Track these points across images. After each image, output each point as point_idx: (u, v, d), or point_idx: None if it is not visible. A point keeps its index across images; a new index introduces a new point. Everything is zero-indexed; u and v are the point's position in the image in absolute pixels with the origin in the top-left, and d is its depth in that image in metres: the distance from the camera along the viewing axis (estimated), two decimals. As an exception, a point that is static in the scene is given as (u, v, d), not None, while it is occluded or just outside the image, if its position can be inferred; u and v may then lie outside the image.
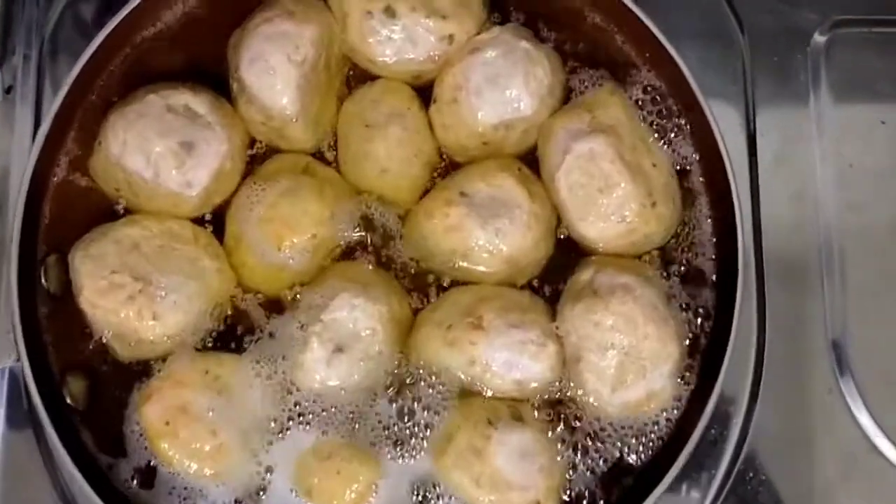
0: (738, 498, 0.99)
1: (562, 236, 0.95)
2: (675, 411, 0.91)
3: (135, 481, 0.89)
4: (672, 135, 0.97)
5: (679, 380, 0.91)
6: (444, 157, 0.97)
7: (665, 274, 0.94)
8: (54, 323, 0.92)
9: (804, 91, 1.10)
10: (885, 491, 1.02)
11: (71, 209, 0.94)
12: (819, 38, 1.12)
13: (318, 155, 0.96)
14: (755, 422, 1.01)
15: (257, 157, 0.96)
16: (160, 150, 0.90)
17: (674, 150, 0.97)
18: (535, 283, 0.94)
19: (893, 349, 1.05)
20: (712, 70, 1.07)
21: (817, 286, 1.05)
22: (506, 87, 0.92)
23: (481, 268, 0.91)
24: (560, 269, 0.94)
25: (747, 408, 1.01)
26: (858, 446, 1.02)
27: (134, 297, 0.88)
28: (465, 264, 0.91)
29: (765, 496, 1.00)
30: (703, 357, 0.92)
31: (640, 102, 0.98)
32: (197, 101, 0.93)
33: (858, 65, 1.12)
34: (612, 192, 0.90)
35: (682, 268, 0.95)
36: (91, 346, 0.91)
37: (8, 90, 1.09)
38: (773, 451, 1.01)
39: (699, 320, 0.93)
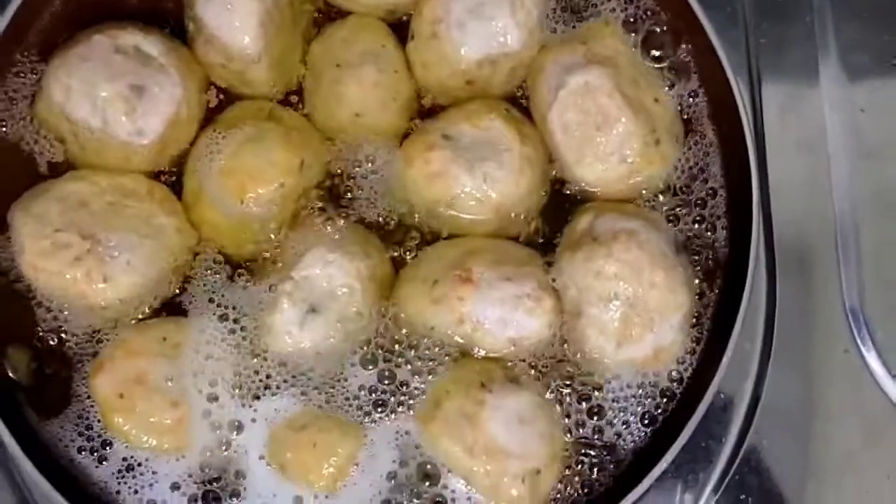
0: (751, 466, 0.95)
1: (557, 183, 0.90)
2: (686, 368, 0.86)
3: (87, 459, 0.83)
4: (676, 71, 0.92)
5: (690, 333, 0.86)
6: (424, 99, 0.93)
7: (671, 218, 0.89)
8: None
9: (810, 36, 1.07)
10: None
11: (8, 166, 0.88)
12: None
13: (283, 100, 0.92)
14: (767, 385, 0.97)
15: (217, 105, 0.92)
16: (107, 94, 0.87)
17: (676, 88, 0.92)
18: (529, 233, 0.89)
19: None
20: (710, 15, 1.00)
21: (830, 241, 1.02)
22: (491, 18, 0.89)
23: (469, 217, 0.88)
24: (556, 218, 0.90)
25: (758, 371, 0.97)
26: (880, 410, 0.98)
27: (81, 258, 0.84)
28: (450, 214, 0.88)
29: (780, 463, 0.96)
30: (715, 310, 0.88)
31: (639, 35, 0.93)
32: (148, 42, 0.89)
33: (862, 7, 1.08)
34: (612, 129, 0.87)
35: (689, 214, 0.90)
36: (34, 314, 0.85)
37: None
38: (787, 417, 0.98)
39: (708, 270, 0.89)
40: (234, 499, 0.82)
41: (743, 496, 0.95)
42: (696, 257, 0.89)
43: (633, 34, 0.92)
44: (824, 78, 1.06)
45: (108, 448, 0.84)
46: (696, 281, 0.88)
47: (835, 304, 0.99)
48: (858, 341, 0.99)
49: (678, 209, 0.90)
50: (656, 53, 0.92)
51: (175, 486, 0.83)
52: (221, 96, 0.92)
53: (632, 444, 0.85)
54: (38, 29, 0.91)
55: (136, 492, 0.83)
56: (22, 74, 0.90)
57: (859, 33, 1.08)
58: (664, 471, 0.93)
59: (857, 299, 1.00)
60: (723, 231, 0.89)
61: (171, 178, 0.89)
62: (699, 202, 0.90)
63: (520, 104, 0.93)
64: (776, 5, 1.07)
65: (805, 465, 0.97)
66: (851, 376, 0.99)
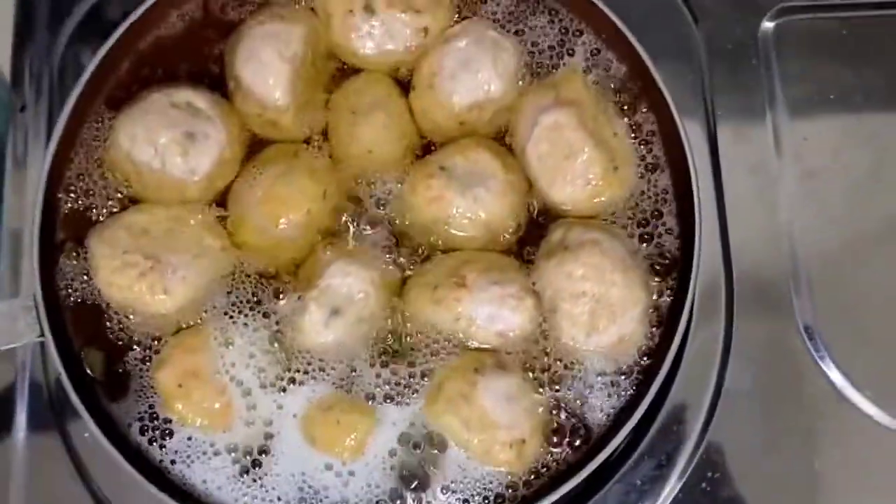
0: (714, 451, 1.05)
1: (534, 204, 1.01)
2: (647, 353, 0.96)
3: (148, 437, 0.94)
4: (632, 112, 1.03)
5: (649, 325, 0.96)
6: (424, 138, 1.02)
7: (630, 231, 1.00)
8: (74, 302, 0.98)
9: (756, 75, 1.18)
10: (855, 440, 1.08)
11: (85, 199, 1.00)
12: (767, 25, 1.20)
13: (309, 142, 1.02)
14: (727, 379, 1.07)
15: (253, 148, 1.02)
16: (165, 140, 0.97)
17: (634, 125, 1.03)
18: (512, 246, 0.99)
19: (858, 303, 1.12)
20: (668, 57, 1.13)
21: (784, 246, 1.11)
22: (477, 70, 0.99)
23: (462, 234, 0.97)
24: (534, 233, 0.99)
25: (719, 367, 1.08)
26: (828, 399, 1.07)
27: (145, 274, 0.94)
28: (446, 231, 0.97)
29: (740, 447, 1.05)
30: (669, 305, 0.98)
31: (601, 83, 1.04)
32: (197, 97, 1.00)
33: (804, 48, 1.20)
34: (577, 157, 0.96)
35: (646, 227, 1.01)
36: (108, 322, 0.97)
37: (22, 109, 1.17)
38: (747, 405, 1.07)
39: (663, 273, 0.99)
40: (273, 465, 0.91)
41: (710, 473, 1.05)
42: (652, 263, 0.98)
43: (596, 83, 1.03)
44: (770, 111, 1.15)
45: (167, 429, 0.94)
46: (653, 282, 0.97)
47: (790, 319, 1.08)
48: (812, 352, 1.07)
49: (635, 223, 0.99)
50: (615, 98, 1.02)
51: (222, 457, 0.92)
52: (257, 140, 1.01)
53: (601, 418, 0.94)
54: (111, 86, 1.02)
55: (188, 465, 0.93)
56: (98, 122, 1.01)
57: (801, 71, 1.18)
58: (641, 452, 1.06)
59: (811, 317, 1.08)
60: (674, 240, 0.98)
61: (218, 207, 0.99)
62: (654, 217, 0.99)
63: (503, 140, 1.01)
64: (726, 50, 1.17)
65: (764, 444, 1.06)
66: (803, 372, 1.08)
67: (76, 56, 1.16)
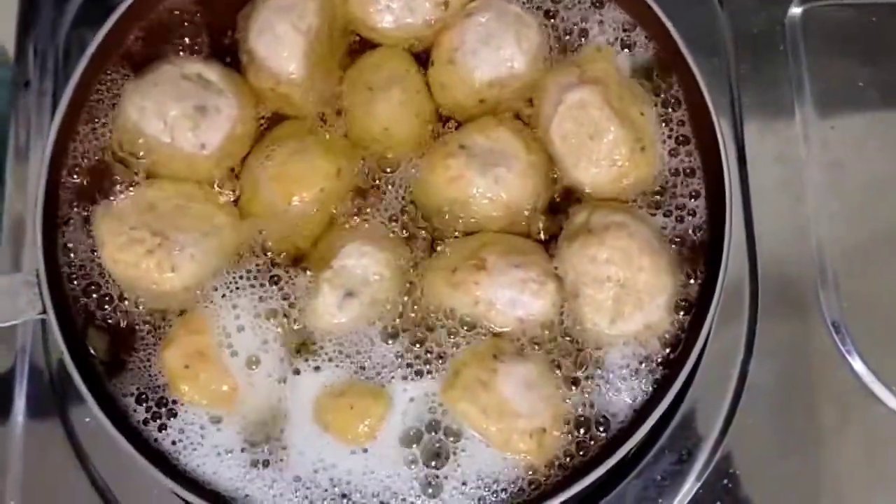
0: (735, 447, 1.02)
1: (557, 185, 0.98)
2: (673, 342, 0.93)
3: (154, 421, 0.92)
4: (659, 91, 1.01)
5: (675, 312, 0.94)
6: (442, 115, 1.00)
7: (657, 214, 0.97)
8: (77, 280, 0.96)
9: (783, 62, 1.16)
10: (883, 436, 1.05)
11: (90, 174, 0.97)
12: (795, 10, 1.18)
13: (323, 118, 0.99)
14: (751, 373, 1.05)
15: (266, 124, 1.00)
16: (176, 113, 0.94)
17: (661, 104, 1.01)
18: (534, 228, 0.96)
19: (885, 296, 1.09)
20: (693, 42, 1.07)
21: (810, 238, 1.09)
22: (499, 46, 0.96)
23: (482, 214, 0.94)
24: (556, 215, 0.96)
25: (742, 361, 1.05)
26: (855, 394, 1.05)
27: (153, 251, 0.91)
28: (466, 211, 0.95)
29: (761, 444, 1.03)
30: (697, 293, 0.95)
31: (627, 61, 1.02)
32: (209, 70, 0.97)
33: (833, 35, 1.18)
34: (603, 137, 0.94)
35: (673, 211, 0.98)
36: (113, 299, 0.94)
37: (26, 84, 1.14)
38: (769, 401, 1.05)
39: (691, 259, 0.96)
40: (283, 451, 0.89)
41: (731, 470, 1.02)
42: (680, 248, 0.95)
43: (621, 57, 1.00)
44: (797, 99, 1.14)
45: (172, 411, 0.91)
46: (680, 268, 0.94)
47: (816, 312, 1.06)
48: (840, 346, 1.05)
49: (663, 206, 0.96)
50: (642, 74, 1.00)
51: (229, 442, 0.89)
52: (270, 116, 0.98)
53: (623, 409, 0.91)
54: (119, 58, 0.99)
55: (194, 449, 0.90)
56: (105, 94, 0.98)
57: (829, 59, 1.16)
58: (660, 446, 1.04)
59: (838, 311, 1.06)
60: (703, 225, 0.95)
61: (229, 184, 0.96)
62: (682, 201, 0.96)
63: (524, 118, 0.98)
64: (753, 36, 1.16)
65: (786, 441, 1.04)
66: (829, 368, 1.06)
67: (82, 33, 1.14)
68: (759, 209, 1.10)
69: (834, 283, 1.09)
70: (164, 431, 0.92)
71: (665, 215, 0.97)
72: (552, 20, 1.03)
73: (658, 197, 0.98)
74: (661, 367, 0.93)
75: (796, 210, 1.11)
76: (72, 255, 0.96)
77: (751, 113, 1.14)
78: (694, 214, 0.98)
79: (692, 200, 0.98)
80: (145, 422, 0.92)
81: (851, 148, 1.15)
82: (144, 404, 0.93)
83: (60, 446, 1.01)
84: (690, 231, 0.98)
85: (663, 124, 1.00)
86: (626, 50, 1.02)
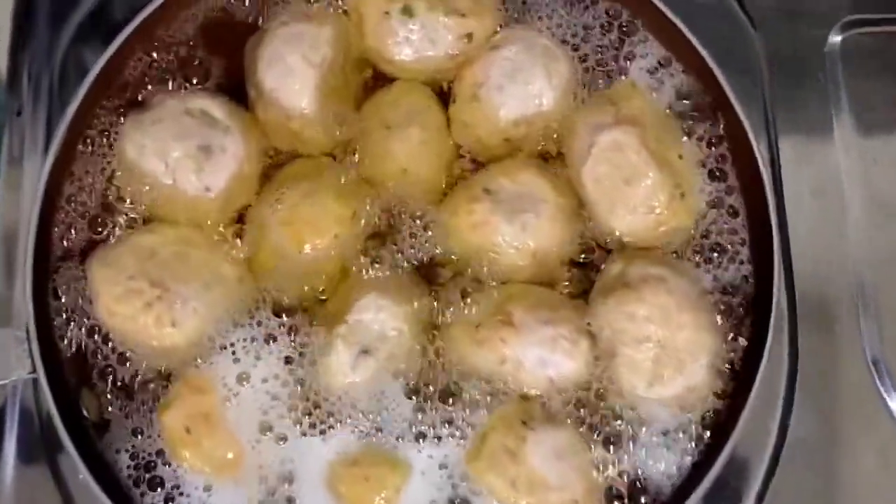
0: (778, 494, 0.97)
1: (588, 232, 0.93)
2: (715, 407, 0.88)
3: (154, 492, 0.87)
4: (700, 130, 0.96)
5: (718, 374, 0.89)
6: (465, 157, 0.96)
7: (696, 265, 0.92)
8: (70, 332, 0.90)
9: (822, 91, 1.11)
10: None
11: (86, 217, 0.93)
12: (834, 38, 1.13)
13: (337, 157, 0.95)
14: (792, 424, 0.99)
15: (275, 163, 0.95)
16: (178, 154, 0.90)
17: (700, 145, 0.96)
18: (564, 279, 0.92)
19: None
20: (727, 71, 1.03)
21: (850, 276, 1.04)
22: (527, 81, 0.92)
23: (508, 263, 0.90)
24: (590, 269, 0.92)
25: (783, 411, 1.00)
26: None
27: (152, 304, 0.87)
28: (491, 261, 0.90)
29: (803, 499, 0.98)
30: (742, 353, 0.90)
31: (663, 97, 0.97)
32: (214, 106, 0.93)
33: (874, 63, 1.13)
34: (640, 182, 0.89)
35: (713, 262, 0.93)
36: (108, 356, 0.89)
37: (19, 112, 1.08)
38: (809, 456, 1.00)
39: (733, 315, 0.91)
40: None
41: None
42: (721, 299, 0.91)
43: (656, 93, 0.96)
44: (838, 130, 1.09)
45: (173, 478, 0.86)
46: (723, 325, 0.89)
47: (856, 353, 1.01)
48: (881, 389, 1.01)
49: (703, 257, 0.92)
50: (679, 109, 0.95)
51: None
52: (280, 154, 0.94)
53: (662, 480, 0.86)
54: (118, 90, 0.95)
55: None
56: (103, 131, 0.93)
57: (870, 87, 1.11)
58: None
59: (879, 349, 1.02)
60: (746, 274, 0.91)
61: (235, 229, 0.92)
62: (722, 247, 0.92)
63: (552, 158, 0.94)
64: (790, 64, 1.10)
65: (827, 496, 0.99)
66: (871, 415, 1.01)
67: (79, 57, 1.08)
68: (798, 245, 1.04)
69: (876, 321, 1.04)
70: (156, 493, 0.87)
71: (704, 262, 0.93)
72: (581, 52, 0.98)
73: (696, 242, 0.93)
74: (703, 434, 0.88)
75: (837, 246, 1.06)
76: (65, 305, 0.91)
77: (787, 143, 1.08)
78: (735, 261, 0.93)
79: (732, 247, 0.94)
80: (136, 483, 0.87)
81: (894, 180, 1.10)
82: (142, 471, 0.88)
83: (51, 496, 0.96)
84: (732, 280, 0.93)
85: (702, 166, 0.95)
86: (661, 85, 0.98)
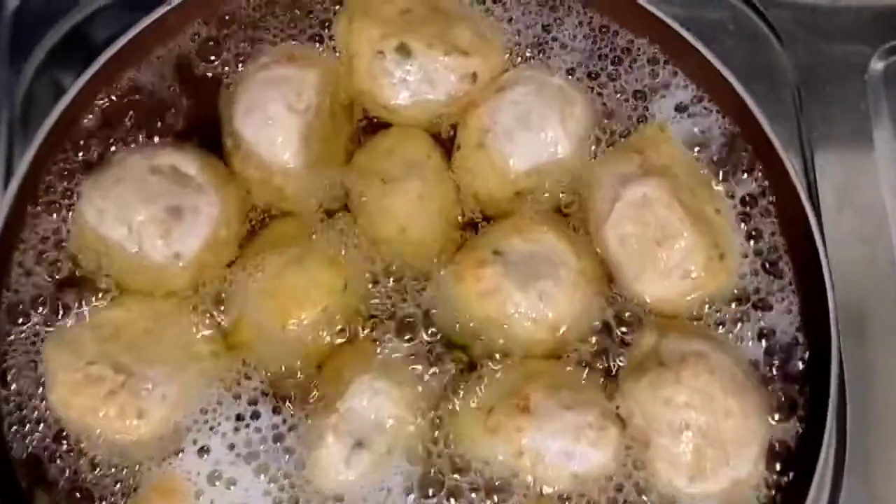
0: None
1: (614, 299, 0.85)
2: (768, 500, 0.79)
3: None
4: (737, 181, 0.87)
5: (769, 464, 0.79)
6: (472, 211, 0.88)
7: (740, 336, 0.83)
8: (22, 427, 0.81)
9: (864, 122, 1.03)
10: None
11: (40, 290, 0.84)
12: (877, 66, 1.05)
13: (326, 215, 0.87)
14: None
15: (256, 225, 0.87)
16: (143, 218, 0.83)
17: (737, 196, 0.87)
18: (587, 353, 0.83)
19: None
20: (762, 105, 0.94)
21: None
22: (540, 127, 0.86)
23: (523, 338, 0.82)
24: (617, 343, 0.83)
25: (832, 486, 0.89)
26: None
27: (115, 392, 0.80)
28: (503, 334, 0.83)
29: None
30: (795, 437, 0.81)
31: (695, 143, 0.88)
32: (185, 161, 0.86)
33: None
34: (673, 243, 0.83)
35: (758, 329, 0.84)
36: (64, 454, 0.80)
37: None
38: None
39: (785, 392, 0.82)
40: None
41: None
42: (768, 373, 0.82)
43: (687, 138, 0.87)
44: (882, 166, 1.00)
45: None
46: (773, 405, 0.80)
47: None
48: None
49: (746, 324, 0.83)
50: (712, 156, 0.87)
51: None
52: (261, 213, 0.87)
53: None
54: (76, 142, 0.87)
55: None
56: (59, 190, 0.86)
57: None
58: None
59: None
60: (795, 344, 0.83)
61: (210, 302, 0.83)
62: (766, 317, 0.84)
63: (570, 214, 0.87)
64: (824, 78, 1.03)
65: None
66: None
67: (39, 98, 1.00)
68: (842, 293, 0.91)
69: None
70: None
71: (748, 333, 0.84)
72: (601, 92, 0.90)
73: (737, 307, 0.84)
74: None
75: (883, 297, 0.96)
76: (15, 394, 0.82)
77: (826, 180, 0.99)
78: (784, 331, 0.84)
79: (778, 315, 0.84)
80: None
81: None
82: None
83: None
84: (780, 353, 0.84)
85: (742, 222, 0.86)
86: (693, 128, 0.89)
